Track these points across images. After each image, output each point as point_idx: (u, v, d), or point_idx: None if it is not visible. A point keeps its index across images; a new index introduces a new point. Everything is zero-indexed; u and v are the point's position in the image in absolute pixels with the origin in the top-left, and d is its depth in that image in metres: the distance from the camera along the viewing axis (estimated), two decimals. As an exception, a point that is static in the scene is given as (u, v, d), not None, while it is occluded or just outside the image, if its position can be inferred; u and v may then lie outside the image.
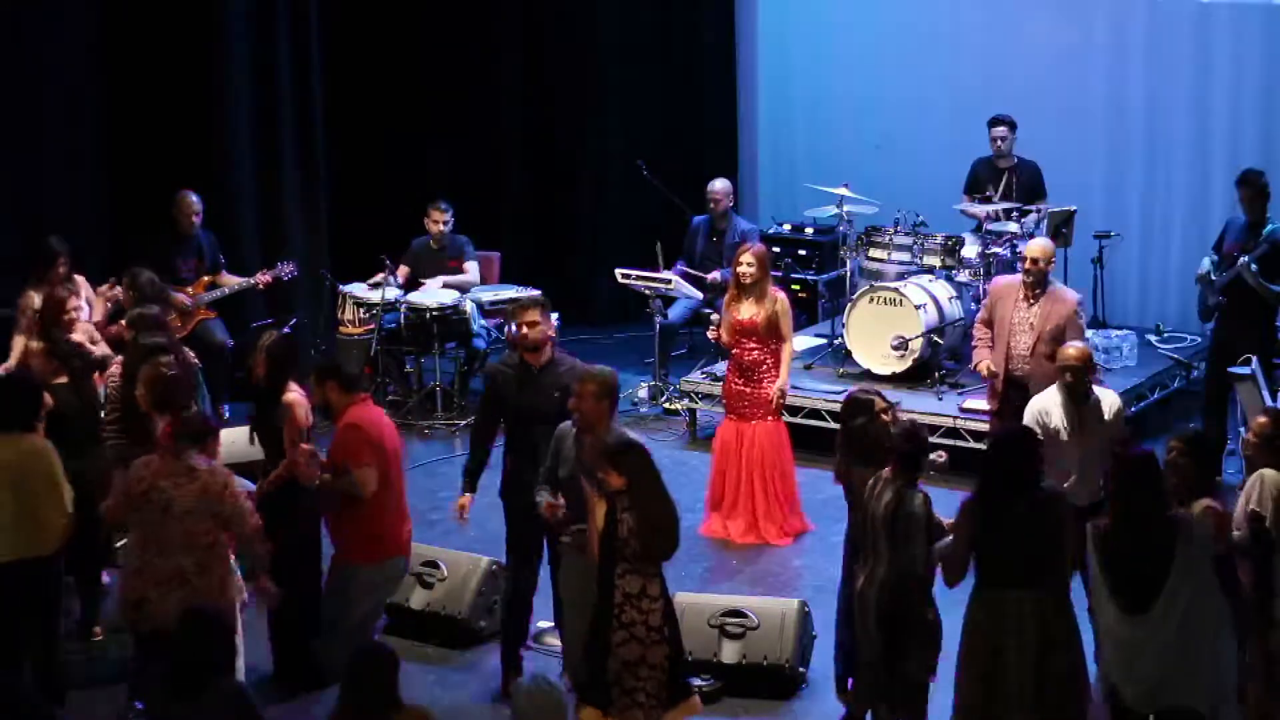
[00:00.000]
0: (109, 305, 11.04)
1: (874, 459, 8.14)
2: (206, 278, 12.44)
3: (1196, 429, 9.46)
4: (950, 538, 7.74)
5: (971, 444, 11.52)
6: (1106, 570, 7.31)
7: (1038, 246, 10.60)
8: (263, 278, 12.55)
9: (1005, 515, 7.45)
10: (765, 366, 10.94)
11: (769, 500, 10.98)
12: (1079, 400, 9.01)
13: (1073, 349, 9.16)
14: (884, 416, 8.44)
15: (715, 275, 13.20)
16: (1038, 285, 10.38)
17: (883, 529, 7.82)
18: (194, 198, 12.49)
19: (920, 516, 7.78)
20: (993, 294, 10.73)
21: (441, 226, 13.38)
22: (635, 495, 7.69)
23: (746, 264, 10.88)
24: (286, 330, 9.72)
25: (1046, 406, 9.09)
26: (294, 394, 9.04)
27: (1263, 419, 8.19)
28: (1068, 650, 7.52)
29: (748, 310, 10.84)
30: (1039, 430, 8.69)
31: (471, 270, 13.47)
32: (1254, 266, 11.24)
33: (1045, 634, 7.44)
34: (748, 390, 10.97)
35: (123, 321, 10.26)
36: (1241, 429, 10.68)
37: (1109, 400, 9.19)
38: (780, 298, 10.99)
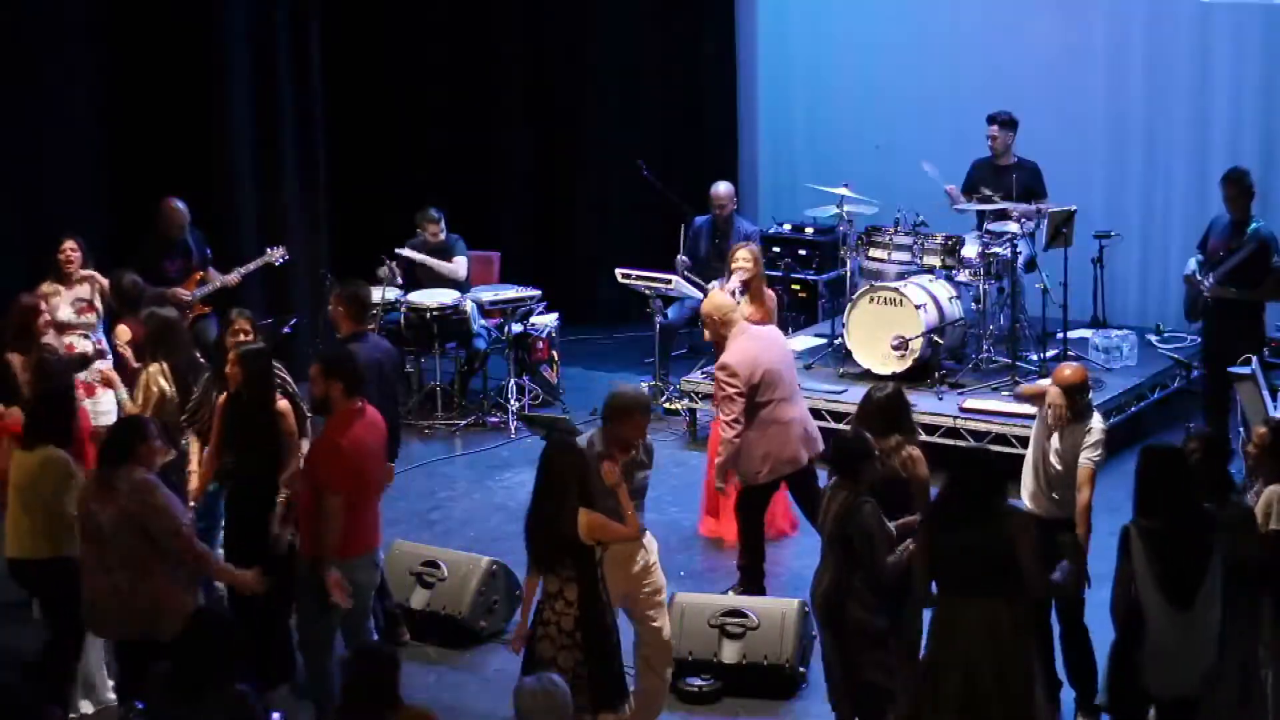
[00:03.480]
0: None
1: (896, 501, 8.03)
2: (196, 275, 12.40)
3: (1201, 429, 9.28)
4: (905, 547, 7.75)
5: (972, 444, 11.52)
6: (1153, 565, 7.32)
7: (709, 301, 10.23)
8: (232, 278, 12.48)
9: (961, 528, 7.40)
10: None
11: None
12: (1063, 418, 8.56)
13: (1068, 369, 8.71)
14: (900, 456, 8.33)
15: (715, 285, 13.18)
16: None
17: (833, 540, 7.80)
18: (181, 208, 12.35)
19: (871, 527, 7.72)
20: None
21: (440, 238, 13.42)
22: (543, 492, 7.79)
23: (743, 260, 10.88)
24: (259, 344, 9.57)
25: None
26: (282, 401, 9.01)
27: (1262, 429, 8.16)
28: (1020, 660, 7.47)
29: (747, 311, 10.83)
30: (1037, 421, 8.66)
31: (458, 264, 13.47)
32: (1210, 280, 11.26)
33: (998, 643, 7.39)
34: None
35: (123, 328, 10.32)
36: (1240, 429, 10.69)
37: (1094, 431, 8.56)
38: (772, 296, 11.09)
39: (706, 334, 10.11)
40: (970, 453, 7.83)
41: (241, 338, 9.30)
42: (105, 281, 11.18)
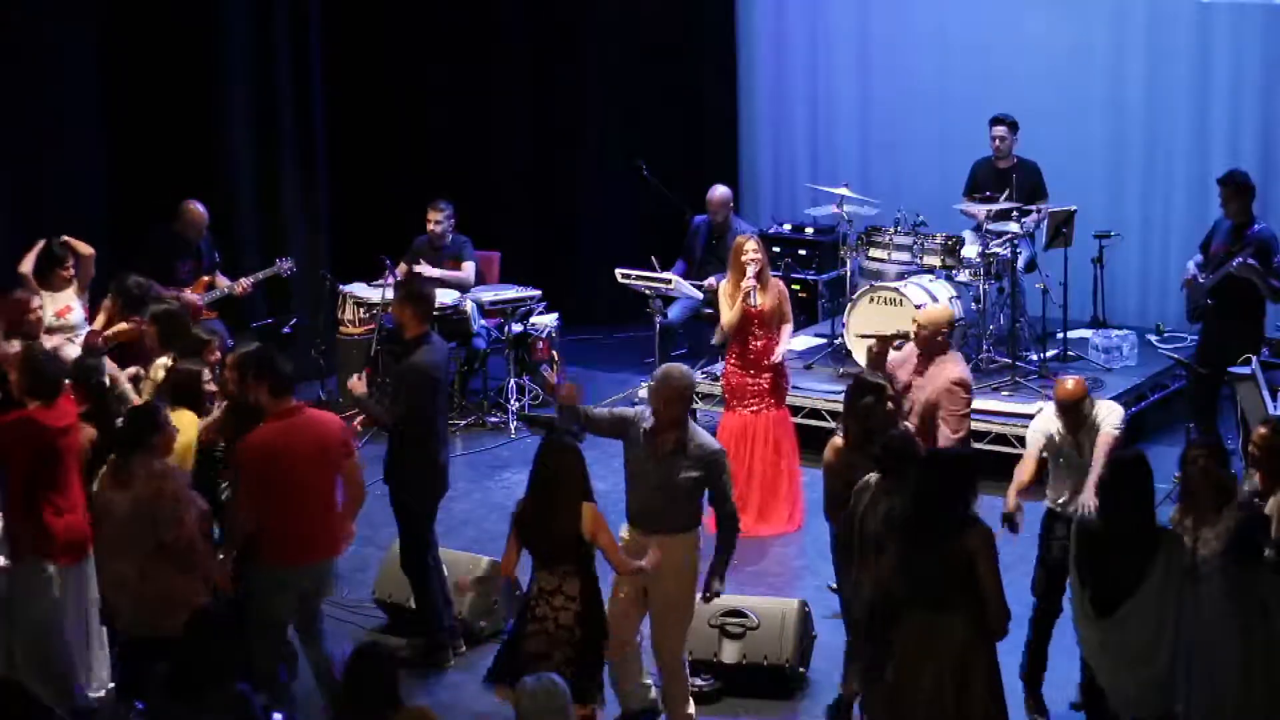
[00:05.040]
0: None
1: (873, 443, 8.08)
2: (205, 279, 12.43)
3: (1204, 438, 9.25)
4: None
5: (971, 444, 11.52)
6: (1081, 567, 7.32)
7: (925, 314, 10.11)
8: (244, 283, 12.49)
9: (927, 537, 7.31)
10: (769, 355, 10.99)
11: (774, 492, 11.00)
12: (1075, 427, 8.57)
13: (1070, 381, 8.62)
14: (890, 404, 8.48)
15: (712, 281, 13.20)
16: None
17: (878, 538, 7.76)
18: (203, 211, 12.37)
19: None
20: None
21: (438, 226, 13.35)
22: (541, 489, 7.83)
23: (753, 252, 10.91)
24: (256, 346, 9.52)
25: (1049, 423, 8.70)
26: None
27: (1262, 429, 8.14)
28: (983, 675, 7.39)
29: (757, 299, 10.88)
30: (1043, 438, 8.60)
31: (467, 270, 13.45)
32: (1252, 261, 11.18)
33: (961, 657, 7.32)
34: (750, 381, 11.02)
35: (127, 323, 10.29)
36: (1239, 429, 10.68)
37: (1104, 412, 8.63)
38: (780, 284, 11.16)
39: (920, 342, 9.72)
40: (930, 460, 7.70)
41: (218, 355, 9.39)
42: (84, 249, 11.10)
